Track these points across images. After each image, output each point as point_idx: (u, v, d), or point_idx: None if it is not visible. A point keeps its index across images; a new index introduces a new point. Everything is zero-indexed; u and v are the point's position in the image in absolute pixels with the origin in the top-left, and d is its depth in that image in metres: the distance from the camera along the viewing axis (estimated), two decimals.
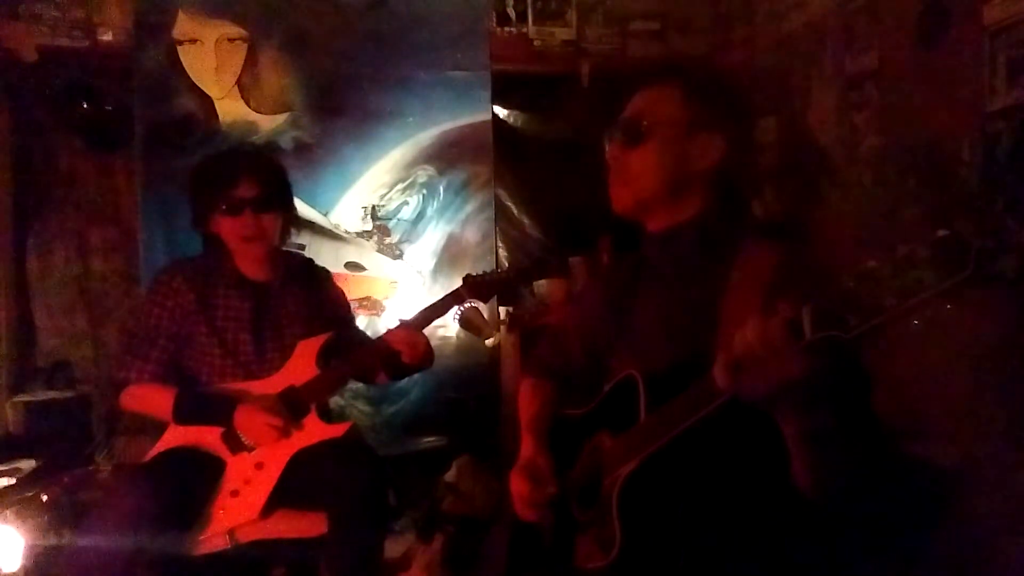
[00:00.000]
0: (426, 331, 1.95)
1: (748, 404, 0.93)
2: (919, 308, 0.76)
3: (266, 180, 1.91)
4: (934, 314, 0.77)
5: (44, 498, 2.33)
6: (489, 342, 3.11)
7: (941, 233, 0.74)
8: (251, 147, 2.70)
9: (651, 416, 1.11)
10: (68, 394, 2.84)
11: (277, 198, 1.94)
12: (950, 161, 2.07)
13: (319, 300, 2.06)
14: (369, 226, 3.14)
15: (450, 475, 2.74)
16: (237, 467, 1.82)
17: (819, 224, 2.66)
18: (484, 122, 3.19)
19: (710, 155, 1.22)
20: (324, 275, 2.17)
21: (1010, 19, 1.93)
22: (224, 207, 1.87)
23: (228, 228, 1.89)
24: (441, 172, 3.18)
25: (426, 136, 3.16)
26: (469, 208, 3.22)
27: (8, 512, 2.21)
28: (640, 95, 1.28)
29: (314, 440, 1.84)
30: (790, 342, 0.85)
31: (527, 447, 1.40)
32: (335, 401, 2.59)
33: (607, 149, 1.29)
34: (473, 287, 2.00)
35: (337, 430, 1.87)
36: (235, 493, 1.80)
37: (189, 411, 1.84)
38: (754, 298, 1.07)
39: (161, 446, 1.85)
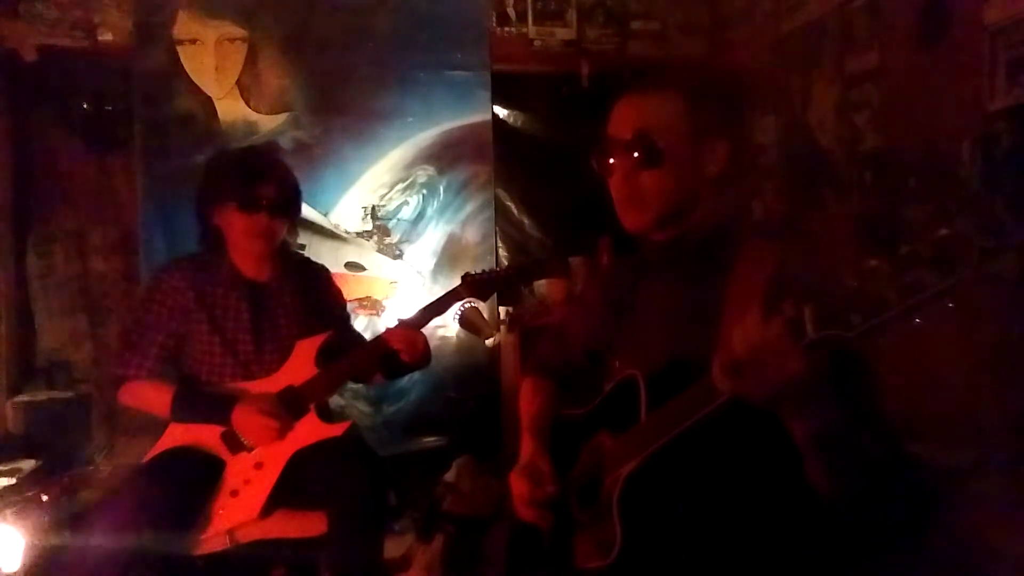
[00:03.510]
0: (426, 331, 1.96)
1: (751, 405, 0.93)
2: (921, 307, 0.76)
3: (284, 185, 1.92)
4: (935, 313, 0.77)
5: (44, 498, 2.33)
6: (489, 342, 3.10)
7: (942, 232, 0.74)
8: (273, 149, 2.68)
9: (652, 416, 1.11)
10: (68, 394, 2.84)
11: (292, 205, 1.96)
12: (950, 161, 2.07)
13: (316, 298, 2.06)
14: (369, 226, 3.14)
15: (450, 475, 2.74)
16: (237, 467, 1.82)
17: (819, 224, 2.66)
18: (484, 122, 3.19)
19: (717, 162, 1.20)
20: (322, 273, 2.17)
21: (1010, 19, 1.93)
22: (240, 203, 1.86)
23: (238, 223, 1.88)
24: (441, 172, 3.18)
25: (426, 136, 3.16)
26: (469, 208, 3.22)
27: (8, 512, 2.21)
28: (633, 105, 1.22)
29: (313, 440, 1.84)
30: (791, 342, 0.85)
31: (527, 448, 1.40)
32: (335, 401, 2.59)
33: (610, 166, 1.22)
34: (472, 285, 2.00)
35: (336, 430, 1.86)
36: (235, 493, 1.80)
37: (187, 408, 1.84)
38: (755, 297, 1.07)
39: (161, 446, 1.85)
